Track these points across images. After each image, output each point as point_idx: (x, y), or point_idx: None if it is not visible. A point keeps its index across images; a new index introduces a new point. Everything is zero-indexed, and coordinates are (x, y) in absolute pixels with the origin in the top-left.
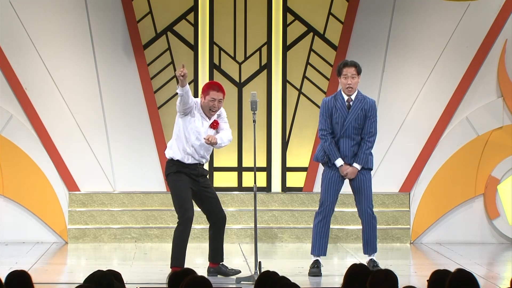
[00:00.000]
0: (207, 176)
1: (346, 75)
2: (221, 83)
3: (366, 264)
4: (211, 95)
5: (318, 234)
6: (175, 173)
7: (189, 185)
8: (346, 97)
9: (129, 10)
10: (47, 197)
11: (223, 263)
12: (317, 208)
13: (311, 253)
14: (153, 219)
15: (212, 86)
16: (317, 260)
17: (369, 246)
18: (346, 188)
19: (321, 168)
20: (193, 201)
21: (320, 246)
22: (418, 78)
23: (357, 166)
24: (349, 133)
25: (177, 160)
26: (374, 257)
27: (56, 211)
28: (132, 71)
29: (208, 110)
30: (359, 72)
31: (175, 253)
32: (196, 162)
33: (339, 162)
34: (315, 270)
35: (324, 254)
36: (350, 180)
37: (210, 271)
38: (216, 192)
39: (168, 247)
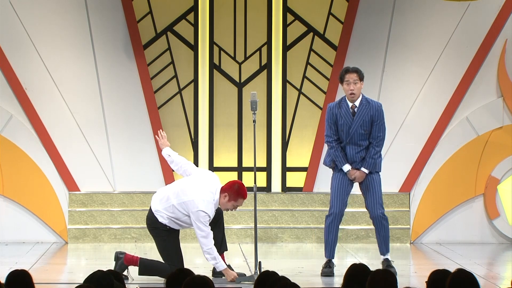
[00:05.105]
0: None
1: (348, 81)
2: (221, 83)
3: (380, 263)
4: (239, 202)
5: (327, 237)
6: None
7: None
8: (350, 104)
9: (129, 10)
10: (47, 197)
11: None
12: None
13: (325, 256)
14: None
15: (244, 194)
16: (330, 260)
17: (383, 247)
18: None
19: (321, 168)
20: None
21: (328, 248)
22: (418, 78)
23: (364, 170)
24: (355, 140)
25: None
26: (389, 256)
27: (56, 211)
28: (132, 71)
29: (223, 209)
30: (361, 77)
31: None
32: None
33: (346, 167)
34: (327, 270)
35: (332, 257)
36: (360, 183)
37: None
38: None
39: None
